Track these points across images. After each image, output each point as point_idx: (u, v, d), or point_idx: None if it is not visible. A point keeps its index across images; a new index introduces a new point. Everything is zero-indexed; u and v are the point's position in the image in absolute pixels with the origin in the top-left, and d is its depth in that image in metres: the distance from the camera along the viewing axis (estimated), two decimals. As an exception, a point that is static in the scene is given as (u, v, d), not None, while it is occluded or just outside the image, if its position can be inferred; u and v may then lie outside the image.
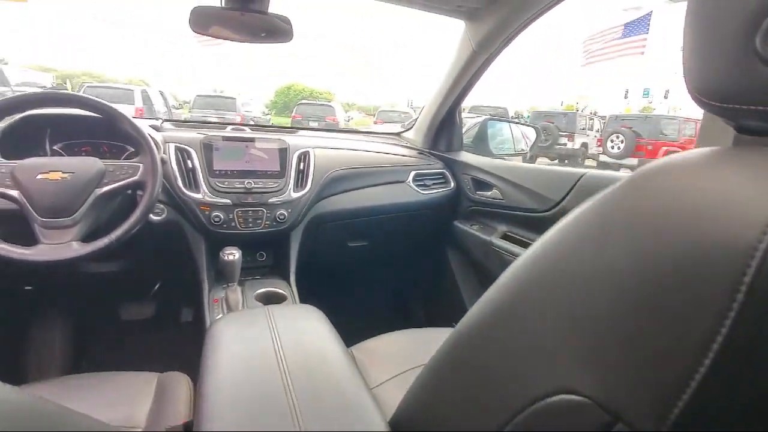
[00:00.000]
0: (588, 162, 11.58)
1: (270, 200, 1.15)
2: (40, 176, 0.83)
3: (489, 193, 1.34)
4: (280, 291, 1.11)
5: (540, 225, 1.15)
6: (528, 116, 17.58)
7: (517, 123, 1.68)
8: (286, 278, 1.20)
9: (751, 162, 0.26)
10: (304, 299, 1.12)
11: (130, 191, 0.97)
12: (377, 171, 1.38)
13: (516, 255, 1.17)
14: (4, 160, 0.91)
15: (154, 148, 0.93)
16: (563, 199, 1.06)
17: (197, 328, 1.14)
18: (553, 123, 11.25)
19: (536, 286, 0.34)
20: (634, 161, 9.33)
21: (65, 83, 14.69)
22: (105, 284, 1.36)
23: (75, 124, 1.09)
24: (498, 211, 1.31)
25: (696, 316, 0.22)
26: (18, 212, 0.82)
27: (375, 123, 13.15)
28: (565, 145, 10.99)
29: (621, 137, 9.61)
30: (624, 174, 0.98)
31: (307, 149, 1.26)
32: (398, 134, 1.80)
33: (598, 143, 11.23)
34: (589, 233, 0.31)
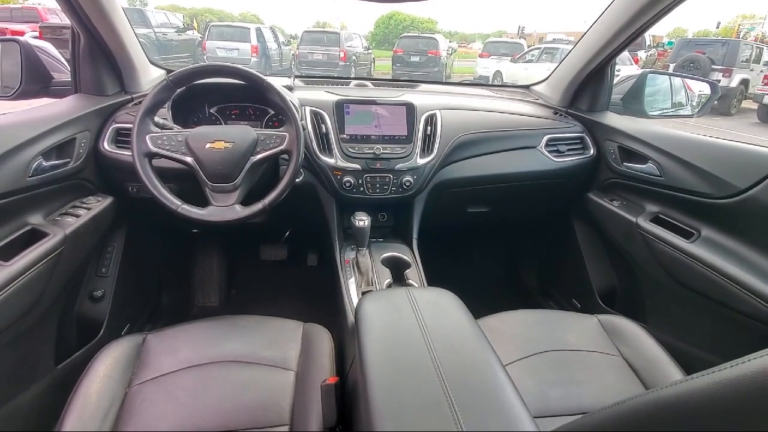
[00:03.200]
0: (745, 105, 9.38)
1: (397, 166, 1.15)
2: (208, 145, 0.93)
3: (641, 166, 1.15)
4: (404, 257, 1.14)
5: (711, 214, 0.97)
6: (670, 43, 14.44)
7: (683, 76, 1.37)
8: (408, 242, 1.22)
9: None
10: (425, 265, 1.14)
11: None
12: (507, 135, 1.28)
13: (669, 243, 1.02)
14: (176, 126, 1.04)
15: (299, 119, 0.97)
16: (752, 187, 0.87)
17: (324, 276, 1.26)
18: (705, 54, 9.18)
19: None
20: (817, 106, 7.32)
21: (193, 21, 16.03)
22: (250, 231, 1.56)
23: (228, 90, 1.18)
24: (651, 188, 1.13)
25: None
26: (191, 174, 0.94)
27: (481, 56, 12.12)
28: (719, 81, 8.97)
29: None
30: None
31: (434, 111, 1.21)
32: (529, 87, 1.62)
33: (765, 80, 8.93)
34: None
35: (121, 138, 1.09)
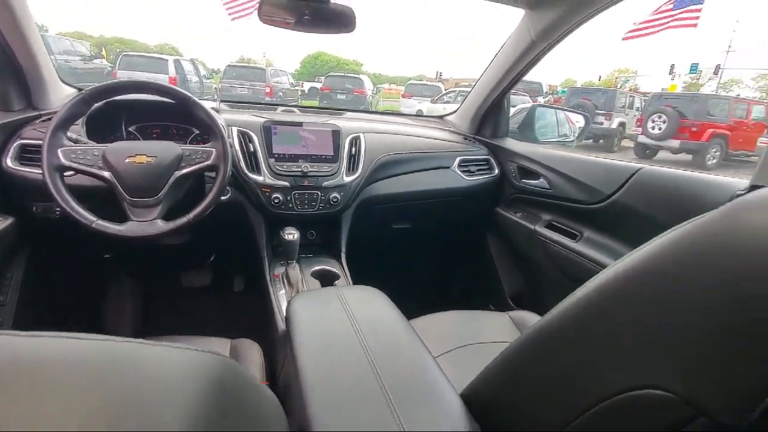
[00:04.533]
0: (625, 143, 11.12)
1: (324, 183, 1.21)
2: (128, 159, 0.91)
3: (535, 181, 1.35)
4: (333, 270, 1.18)
5: (588, 217, 1.17)
6: (563, 91, 16.85)
7: (565, 110, 1.65)
8: (337, 257, 1.27)
9: None
10: (354, 278, 1.19)
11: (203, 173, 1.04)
12: (424, 156, 1.41)
13: (560, 244, 1.20)
14: (91, 142, 1.00)
15: (225, 134, 0.99)
16: (615, 192, 1.07)
17: (252, 297, 1.24)
18: (590, 101, 10.79)
19: (628, 292, 0.38)
20: (675, 143, 8.91)
21: (101, 51, 15.02)
22: (170, 255, 1.48)
23: (148, 108, 1.17)
24: (543, 200, 1.32)
25: None
26: (107, 191, 0.91)
27: (403, 97, 12.94)
28: (602, 124, 10.56)
29: (663, 117, 9.13)
30: (683, 172, 0.98)
31: (358, 134, 1.30)
32: (442, 118, 1.81)
33: (638, 123, 10.73)
34: (685, 259, 0.34)
35: (27, 155, 1.02)
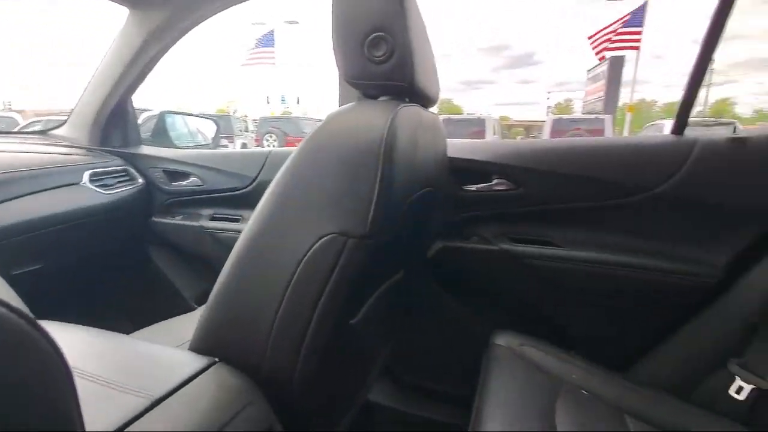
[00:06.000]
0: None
1: None
2: None
3: (187, 181, 1.38)
4: None
5: (244, 200, 1.32)
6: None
7: (193, 116, 1.74)
8: None
9: (372, 107, 0.56)
10: None
11: None
12: (39, 174, 1.13)
13: (230, 231, 1.31)
14: None
15: None
16: (258, 174, 1.28)
17: None
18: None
19: (292, 194, 0.53)
20: (287, 156, 11.15)
21: None
22: None
23: None
24: (200, 197, 1.38)
25: (365, 173, 0.49)
26: None
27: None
28: (226, 146, 11.53)
29: (273, 136, 11.12)
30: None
31: None
32: (44, 132, 1.47)
33: (256, 142, 12.49)
34: (307, 158, 0.53)
35: None
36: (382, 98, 0.62)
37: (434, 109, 0.79)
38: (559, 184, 0.95)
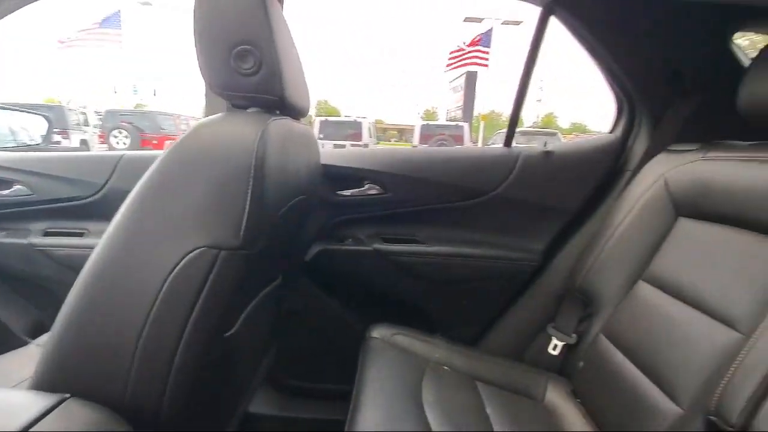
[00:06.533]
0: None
1: None
2: None
3: (9, 191, 1.14)
4: None
5: (89, 210, 1.15)
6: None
7: (15, 110, 1.43)
8: None
9: (243, 120, 0.56)
10: None
11: None
12: None
13: (72, 247, 1.12)
14: None
15: None
16: (108, 180, 1.13)
17: None
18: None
19: (156, 207, 0.50)
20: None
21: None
22: None
23: None
24: (29, 209, 1.15)
25: (236, 186, 0.49)
26: None
27: None
28: (59, 143, 9.54)
29: (124, 132, 9.58)
30: (157, 152, 1.18)
31: None
32: None
33: (101, 139, 10.61)
34: (174, 169, 0.51)
35: None
36: (251, 109, 0.63)
37: (312, 111, 0.83)
38: (421, 188, 1.08)
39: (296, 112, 0.71)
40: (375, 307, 1.15)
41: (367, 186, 1.11)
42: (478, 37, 11.47)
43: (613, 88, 1.06)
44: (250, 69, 0.57)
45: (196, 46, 0.58)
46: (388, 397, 0.75)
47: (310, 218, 0.97)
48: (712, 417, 0.53)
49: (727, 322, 0.62)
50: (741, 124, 0.76)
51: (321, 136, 9.76)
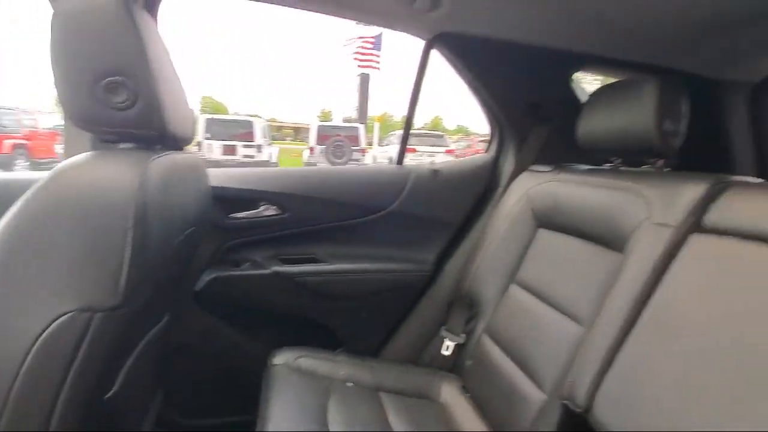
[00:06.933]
0: None
1: None
2: None
3: None
4: None
5: None
6: None
7: None
8: None
9: (116, 161, 0.51)
10: None
11: None
12: None
13: None
14: None
15: None
16: None
17: None
18: None
19: (14, 267, 0.43)
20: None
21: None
22: None
23: None
24: None
25: (113, 238, 0.45)
26: None
27: None
28: None
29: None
30: (35, 175, 0.97)
31: None
32: None
33: None
34: (34, 221, 0.44)
35: None
36: (125, 144, 0.56)
37: (196, 107, 0.77)
38: (317, 207, 1.09)
39: (180, 143, 0.66)
40: (276, 330, 1.12)
41: (262, 207, 1.08)
42: (371, 38, 11.79)
43: (487, 115, 1.20)
44: (123, 103, 0.51)
45: (53, 70, 0.50)
46: (293, 424, 0.75)
47: (199, 248, 0.91)
48: (565, 401, 0.65)
49: (574, 317, 0.76)
50: (583, 150, 0.93)
51: (208, 135, 8.97)
